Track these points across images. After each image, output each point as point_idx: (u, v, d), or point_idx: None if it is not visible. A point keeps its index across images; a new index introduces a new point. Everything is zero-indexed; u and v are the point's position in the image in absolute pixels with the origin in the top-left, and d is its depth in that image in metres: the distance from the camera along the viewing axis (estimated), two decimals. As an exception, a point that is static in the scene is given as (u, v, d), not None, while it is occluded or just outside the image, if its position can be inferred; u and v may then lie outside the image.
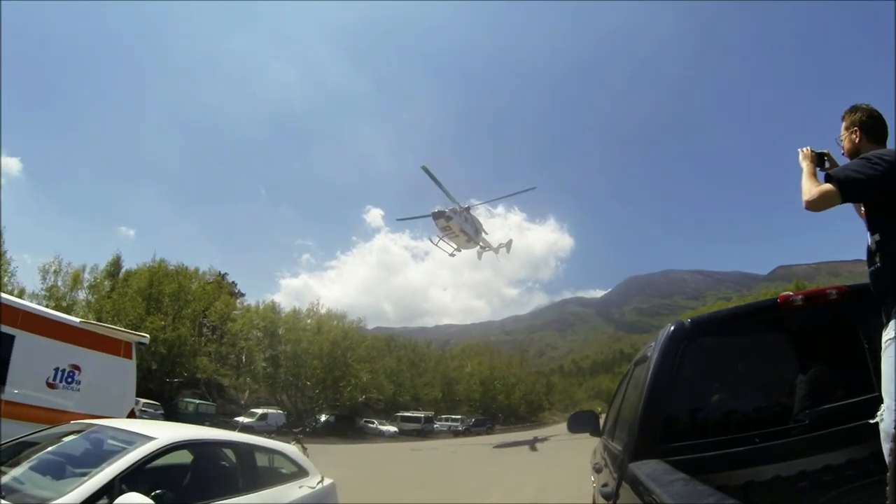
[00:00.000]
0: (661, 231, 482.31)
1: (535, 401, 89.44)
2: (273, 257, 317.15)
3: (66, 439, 5.80)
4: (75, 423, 6.34)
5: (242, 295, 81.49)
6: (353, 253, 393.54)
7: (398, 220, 54.08)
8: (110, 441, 5.67)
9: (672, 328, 3.75)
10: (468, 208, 49.42)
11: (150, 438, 5.33)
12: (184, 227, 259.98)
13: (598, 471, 5.49)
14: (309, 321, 70.20)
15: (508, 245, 59.45)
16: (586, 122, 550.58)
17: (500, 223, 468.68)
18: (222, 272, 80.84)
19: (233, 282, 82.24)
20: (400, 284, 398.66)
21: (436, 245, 50.92)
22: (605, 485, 4.21)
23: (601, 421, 6.60)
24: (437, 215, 47.41)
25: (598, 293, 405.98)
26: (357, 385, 66.29)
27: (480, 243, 53.45)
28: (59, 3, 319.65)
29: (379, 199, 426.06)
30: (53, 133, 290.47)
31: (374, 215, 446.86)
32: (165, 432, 5.73)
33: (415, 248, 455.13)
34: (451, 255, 52.63)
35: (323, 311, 72.32)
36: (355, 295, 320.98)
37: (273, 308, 72.27)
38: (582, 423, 6.52)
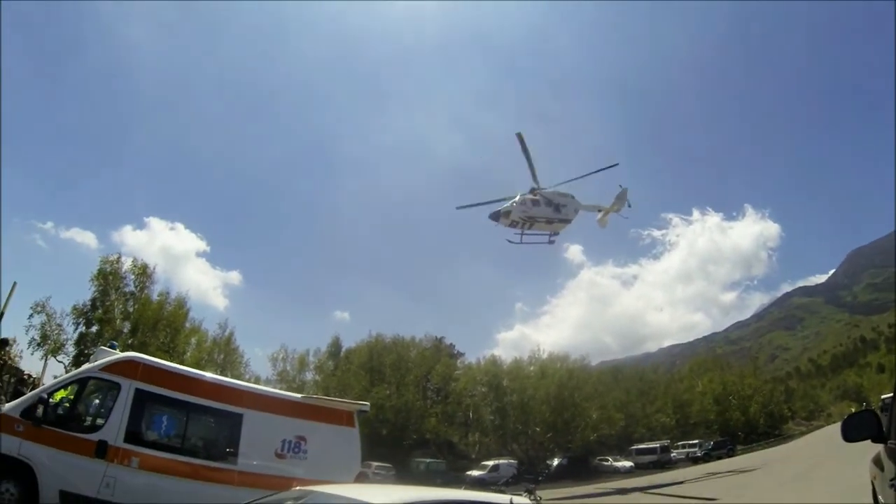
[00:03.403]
0: (873, 185, 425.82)
1: (776, 411, 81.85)
2: (486, 314, 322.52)
3: None
4: (294, 491, 6.46)
5: (462, 355, 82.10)
6: (563, 294, 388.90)
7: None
8: None
9: None
10: (532, 190, 42.98)
11: None
12: (394, 302, 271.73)
13: None
14: (532, 368, 70.63)
15: (622, 198, 47.19)
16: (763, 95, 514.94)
17: (699, 228, 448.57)
18: (438, 336, 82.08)
19: (451, 344, 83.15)
20: (615, 314, 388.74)
21: (520, 243, 44.84)
22: None
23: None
24: (494, 216, 42.84)
25: (821, 277, 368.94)
26: (588, 424, 65.43)
27: (571, 217, 45.07)
28: (229, 142, 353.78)
29: (574, 236, 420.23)
30: (262, 243, 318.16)
31: (574, 252, 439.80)
32: (380, 496, 5.71)
33: (622, 275, 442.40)
34: (550, 242, 45.76)
35: (545, 355, 72.26)
36: (573, 334, 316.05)
37: (494, 362, 73.27)
38: (860, 427, 5.61)
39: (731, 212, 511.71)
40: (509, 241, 43.64)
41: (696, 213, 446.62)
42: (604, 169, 44.17)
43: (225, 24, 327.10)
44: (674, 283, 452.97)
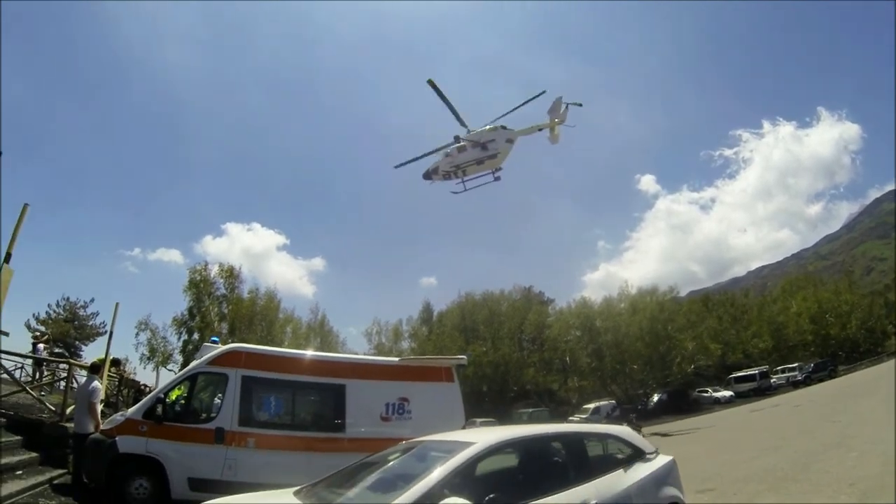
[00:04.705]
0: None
1: (876, 327, 77.43)
2: (570, 258, 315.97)
3: (392, 458, 6.53)
4: (404, 444, 7.01)
5: (552, 301, 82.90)
6: (642, 227, 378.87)
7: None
8: (433, 453, 6.04)
9: None
10: (456, 137, 38.90)
11: (470, 444, 5.68)
12: (478, 259, 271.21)
13: None
14: (622, 305, 70.14)
15: (557, 108, 39.62)
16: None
17: (771, 141, 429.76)
18: (527, 286, 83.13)
19: (540, 292, 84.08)
20: (698, 241, 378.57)
21: (465, 191, 41.93)
22: None
23: None
24: (427, 176, 40.34)
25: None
26: (684, 356, 64.27)
27: (502, 149, 38.65)
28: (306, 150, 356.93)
29: (645, 165, 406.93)
30: (338, 225, 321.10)
31: (647, 182, 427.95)
32: (486, 436, 6.13)
33: (699, 200, 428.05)
34: (496, 179, 41.24)
35: (633, 291, 71.54)
36: (658, 266, 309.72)
37: (585, 303, 73.17)
38: None
39: (804, 118, 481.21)
40: (454, 193, 40.51)
41: (766, 126, 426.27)
42: (531, 99, 41.42)
43: (256, 24, 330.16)
44: (753, 201, 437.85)
